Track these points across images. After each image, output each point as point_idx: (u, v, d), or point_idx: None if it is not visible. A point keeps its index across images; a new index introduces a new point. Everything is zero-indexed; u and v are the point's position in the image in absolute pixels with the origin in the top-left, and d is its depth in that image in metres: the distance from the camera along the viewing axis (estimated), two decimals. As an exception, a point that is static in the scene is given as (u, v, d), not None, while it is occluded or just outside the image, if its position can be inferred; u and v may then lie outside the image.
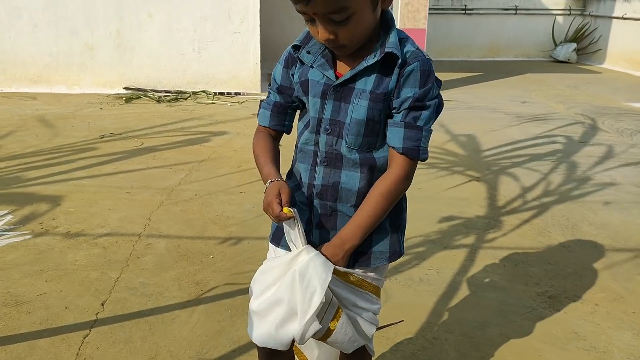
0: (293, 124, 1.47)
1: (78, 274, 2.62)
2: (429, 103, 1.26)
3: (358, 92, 1.27)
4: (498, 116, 6.21)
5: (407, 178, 1.30)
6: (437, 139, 5.14)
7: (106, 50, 6.97)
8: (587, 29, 11.54)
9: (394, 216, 1.37)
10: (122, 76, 7.06)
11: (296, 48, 1.36)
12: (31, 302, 2.38)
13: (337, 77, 1.29)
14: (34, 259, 2.75)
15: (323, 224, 1.35)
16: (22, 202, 3.44)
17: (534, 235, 3.15)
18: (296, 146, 1.41)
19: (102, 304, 2.38)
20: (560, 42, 11.71)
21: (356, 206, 1.33)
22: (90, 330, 2.19)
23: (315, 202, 1.35)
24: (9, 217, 3.22)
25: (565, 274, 2.72)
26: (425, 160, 1.31)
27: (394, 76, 1.25)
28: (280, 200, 1.27)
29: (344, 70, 1.30)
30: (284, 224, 1.31)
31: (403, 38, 1.28)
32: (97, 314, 2.31)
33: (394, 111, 1.28)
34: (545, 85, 8.58)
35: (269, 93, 1.45)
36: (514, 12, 11.85)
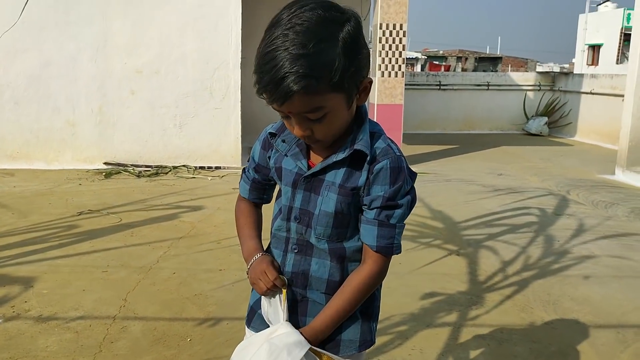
0: (272, 196, 1.50)
1: (48, 362, 2.51)
2: (401, 202, 1.26)
3: (328, 184, 1.28)
4: (475, 189, 6.32)
5: (381, 273, 1.30)
6: (417, 212, 5.18)
7: (87, 126, 7.03)
8: (557, 104, 12.05)
9: (365, 304, 1.35)
10: (102, 152, 7.08)
11: (272, 135, 1.39)
12: (-4, 394, 2.26)
13: (309, 167, 1.31)
14: (3, 345, 2.63)
15: (294, 310, 1.33)
16: (-7, 283, 3.33)
17: (517, 312, 3.13)
18: (270, 231, 1.42)
19: (72, 395, 2.26)
20: (532, 116, 12.17)
21: (327, 294, 1.32)
22: None
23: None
24: (-22, 300, 3.11)
25: (549, 352, 2.69)
26: (399, 254, 1.31)
27: (364, 172, 1.26)
28: (268, 275, 1.30)
29: (317, 161, 1.31)
30: (262, 299, 1.32)
31: (376, 132, 1.29)
32: (66, 406, 2.19)
33: (365, 207, 1.28)
34: (520, 158, 8.82)
35: (249, 168, 1.47)
36: (486, 87, 12.37)
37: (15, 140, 6.95)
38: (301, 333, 1.26)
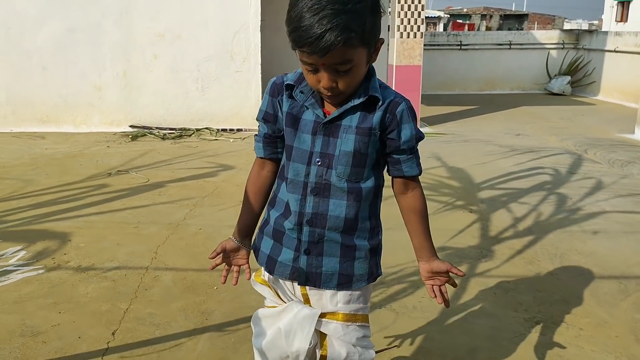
0: None
1: (89, 306, 2.76)
2: (420, 134, 1.50)
3: (345, 127, 1.44)
4: (493, 149, 6.40)
5: (423, 194, 1.59)
6: (434, 171, 5.32)
7: (113, 90, 7.24)
8: (580, 62, 11.87)
9: (372, 241, 1.55)
10: (128, 115, 7.31)
11: (289, 87, 1.51)
12: (46, 332, 2.52)
13: (325, 115, 1.47)
14: (47, 292, 2.90)
15: (311, 251, 1.50)
16: (34, 238, 3.60)
17: (524, 264, 3.29)
18: (281, 177, 1.57)
19: (113, 334, 2.51)
20: (555, 75, 12.02)
21: (343, 232, 1.50)
22: (102, 358, 2.33)
23: (305, 229, 1.49)
24: (22, 253, 3.38)
25: (552, 300, 2.86)
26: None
27: (378, 113, 1.43)
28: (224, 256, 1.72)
29: (331, 109, 1.47)
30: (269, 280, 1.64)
31: (382, 85, 1.48)
32: (108, 343, 2.44)
33: (397, 148, 1.48)
34: (540, 118, 8.81)
35: (259, 126, 1.62)
36: (508, 47, 12.21)
37: (44, 104, 7.21)
38: (426, 270, 1.58)
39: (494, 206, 4.34)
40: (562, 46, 12.21)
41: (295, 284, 1.56)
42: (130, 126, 7.26)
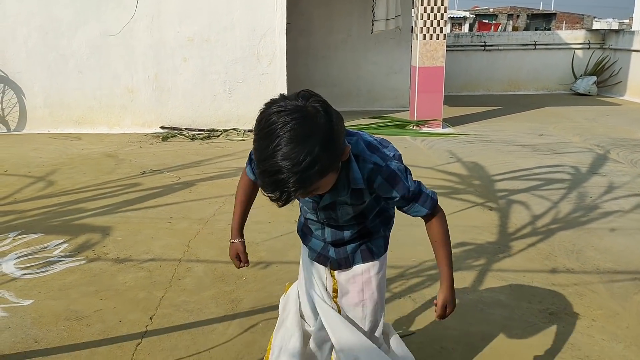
0: None
1: (128, 293, 2.97)
2: (412, 187, 1.60)
3: (340, 204, 1.62)
4: (514, 149, 6.48)
5: (443, 215, 1.71)
6: (455, 170, 5.43)
7: (144, 92, 7.53)
8: (606, 62, 11.78)
9: (385, 227, 1.80)
10: (158, 116, 7.58)
11: None
12: (89, 317, 2.74)
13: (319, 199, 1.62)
14: (89, 281, 3.12)
15: (342, 266, 1.79)
16: (75, 232, 3.84)
17: (541, 260, 3.40)
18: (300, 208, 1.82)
19: (151, 318, 2.72)
20: (580, 75, 11.95)
21: (361, 236, 1.76)
22: (141, 340, 2.53)
23: (331, 249, 1.80)
24: (65, 245, 3.62)
25: (567, 293, 2.97)
26: (437, 194, 1.70)
27: (365, 191, 1.58)
28: (240, 259, 2.02)
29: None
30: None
31: (359, 155, 1.52)
32: (146, 326, 2.65)
33: (395, 203, 1.64)
34: (564, 118, 8.82)
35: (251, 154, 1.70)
36: (533, 47, 12.18)
37: (79, 107, 7.53)
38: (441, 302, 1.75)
39: (513, 203, 4.45)
40: (588, 46, 12.13)
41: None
42: (161, 127, 7.53)
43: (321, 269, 1.82)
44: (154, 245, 3.64)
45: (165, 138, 7.10)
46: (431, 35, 7.55)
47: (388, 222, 1.81)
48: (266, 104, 1.34)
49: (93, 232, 3.85)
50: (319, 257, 1.81)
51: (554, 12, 43.47)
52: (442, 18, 7.54)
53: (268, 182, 1.29)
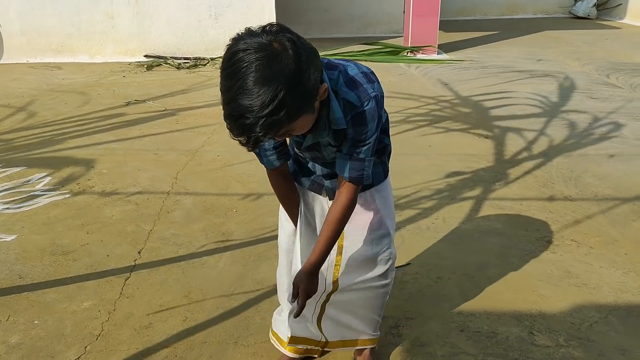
0: None
1: (115, 227, 2.89)
2: (368, 140, 1.44)
3: (324, 144, 1.48)
4: (511, 75, 6.28)
5: (353, 200, 1.53)
6: (448, 98, 5.27)
7: (125, 18, 7.15)
8: (607, -17, 11.32)
9: (381, 155, 1.69)
10: (142, 44, 7.25)
11: None
12: (76, 251, 2.66)
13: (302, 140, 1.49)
14: (74, 214, 3.02)
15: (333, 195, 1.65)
16: (58, 165, 3.71)
17: (538, 187, 3.33)
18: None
19: (139, 252, 2.64)
20: (580, -3, 11.51)
21: None
22: (130, 274, 2.46)
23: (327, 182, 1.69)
24: (48, 179, 3.49)
25: (564, 221, 2.91)
26: (368, 183, 1.57)
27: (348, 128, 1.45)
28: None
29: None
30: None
31: (338, 94, 1.39)
32: (135, 260, 2.57)
33: (341, 145, 1.48)
34: (563, 42, 8.55)
35: (261, 149, 1.56)
36: (532, -33, 11.65)
37: (57, 34, 7.17)
38: (298, 282, 1.60)
39: (509, 131, 4.33)
40: (590, -34, 11.61)
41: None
42: (145, 56, 7.23)
43: (320, 199, 1.71)
44: (141, 177, 3.52)
45: (149, 67, 6.82)
46: (427, -47, 7.14)
47: (383, 151, 1.68)
48: (231, 40, 1.22)
49: (77, 164, 3.72)
50: (313, 185, 1.70)
51: None
52: None
53: (234, 126, 1.21)
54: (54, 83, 6.03)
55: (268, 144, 1.55)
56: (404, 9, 8.26)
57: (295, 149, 1.61)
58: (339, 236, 1.58)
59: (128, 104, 5.17)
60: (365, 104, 1.39)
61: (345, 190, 1.52)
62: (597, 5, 11.28)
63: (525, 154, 3.85)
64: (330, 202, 1.66)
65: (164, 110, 4.97)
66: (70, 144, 4.11)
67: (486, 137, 4.21)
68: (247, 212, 3.05)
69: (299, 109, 1.23)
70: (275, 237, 1.92)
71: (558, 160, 3.72)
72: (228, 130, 1.22)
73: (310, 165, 1.67)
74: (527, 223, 2.89)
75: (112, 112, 4.91)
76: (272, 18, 7.15)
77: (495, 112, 4.84)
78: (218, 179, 3.49)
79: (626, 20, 10.81)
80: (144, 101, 5.25)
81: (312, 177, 1.69)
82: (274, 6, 7.13)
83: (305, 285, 1.58)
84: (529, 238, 2.73)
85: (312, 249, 1.59)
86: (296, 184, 1.73)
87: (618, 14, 11.10)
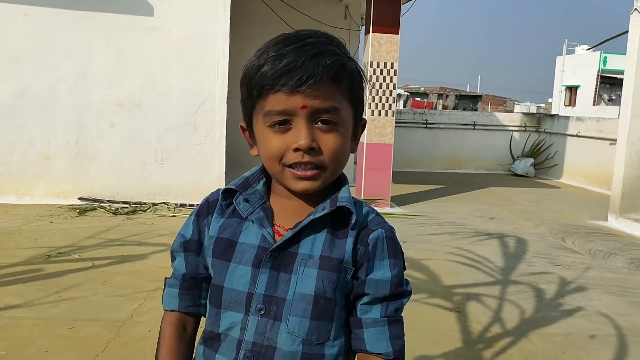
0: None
1: None
2: (408, 287, 1.03)
3: (303, 258, 0.98)
4: (468, 233, 6.09)
5: None
6: (410, 255, 4.92)
7: (63, 159, 6.68)
8: (542, 145, 12.03)
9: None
10: (77, 186, 6.72)
11: (230, 193, 1.07)
12: None
13: (275, 238, 1.01)
14: None
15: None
16: (-58, 342, 2.95)
17: (528, 382, 2.85)
18: (203, 336, 1.07)
19: None
20: (518, 157, 12.12)
21: None
22: None
23: None
24: None
25: None
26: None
27: (349, 239, 0.99)
28: None
29: (284, 228, 1.02)
30: None
31: (358, 201, 1.06)
32: None
33: (363, 300, 1.00)
34: (509, 200, 8.67)
35: (174, 263, 1.13)
36: (473, 127, 12.32)
37: (-16, 173, 6.56)
38: None
39: (476, 303, 3.94)
40: (524, 129, 12.40)
41: None
42: (79, 198, 6.66)
43: None
44: (47, 363, 2.81)
45: (82, 211, 6.23)
46: (379, 111, 7.27)
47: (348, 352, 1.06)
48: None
49: (-33, 342, 2.98)
50: None
51: (479, 94, 46.04)
52: (390, 95, 7.30)
53: (288, 51, 0.94)
54: (-33, 228, 5.31)
55: (180, 264, 1.10)
56: (355, 159, 8.25)
57: (237, 283, 1.01)
58: None
59: (49, 257, 4.50)
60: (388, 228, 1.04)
61: None
62: (535, 165, 11.85)
63: (494, 330, 3.42)
64: None
65: (90, 267, 4.32)
66: (-34, 311, 3.37)
67: (457, 311, 3.78)
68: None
69: (355, 88, 1.00)
70: None
71: (532, 338, 3.30)
72: (260, 76, 0.96)
73: (235, 329, 1.01)
74: None
75: (28, 268, 4.21)
76: (221, 164, 6.88)
77: (460, 278, 4.48)
78: (146, 366, 2.82)
79: (563, 180, 11.31)
80: (69, 254, 4.60)
81: None
82: (224, 152, 6.90)
83: None
84: None
85: None
86: None
87: (555, 174, 11.64)
